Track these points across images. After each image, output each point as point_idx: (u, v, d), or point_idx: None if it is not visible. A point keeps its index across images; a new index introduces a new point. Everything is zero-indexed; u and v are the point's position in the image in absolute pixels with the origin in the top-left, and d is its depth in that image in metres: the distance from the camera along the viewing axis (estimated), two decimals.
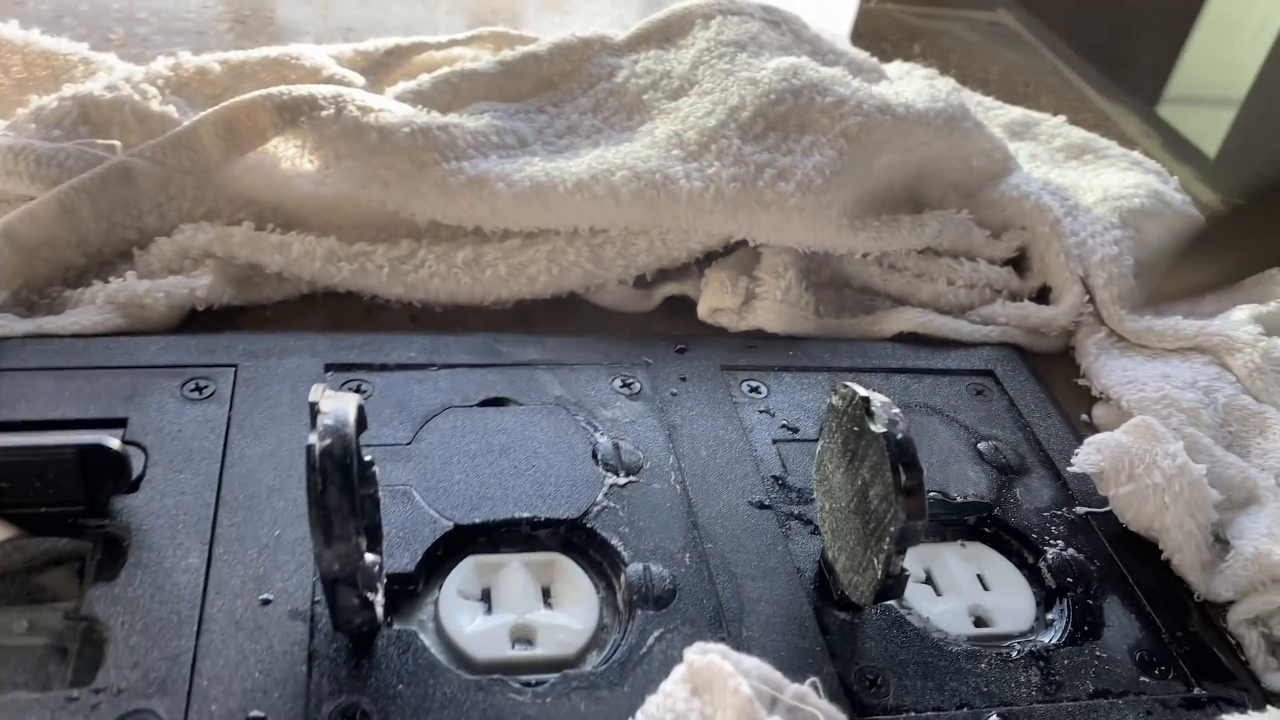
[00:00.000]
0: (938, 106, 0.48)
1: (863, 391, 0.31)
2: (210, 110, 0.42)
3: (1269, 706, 0.31)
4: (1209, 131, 0.86)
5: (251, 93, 0.42)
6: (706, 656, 0.26)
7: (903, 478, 0.29)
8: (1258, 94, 0.88)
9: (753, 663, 0.27)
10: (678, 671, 0.27)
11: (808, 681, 0.27)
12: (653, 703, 0.26)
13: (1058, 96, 0.71)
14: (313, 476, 0.25)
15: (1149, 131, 0.69)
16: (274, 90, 0.42)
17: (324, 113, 0.42)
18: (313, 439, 0.26)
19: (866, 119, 0.46)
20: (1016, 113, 0.59)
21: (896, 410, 0.30)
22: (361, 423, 0.28)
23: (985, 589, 0.35)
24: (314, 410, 0.26)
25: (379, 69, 0.51)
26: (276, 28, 0.62)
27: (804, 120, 0.46)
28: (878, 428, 0.30)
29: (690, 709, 0.26)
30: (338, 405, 0.27)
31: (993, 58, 0.75)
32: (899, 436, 0.29)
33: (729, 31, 0.51)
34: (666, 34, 0.52)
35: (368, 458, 0.29)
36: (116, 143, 0.41)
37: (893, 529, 0.29)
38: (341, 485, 0.25)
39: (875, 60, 0.57)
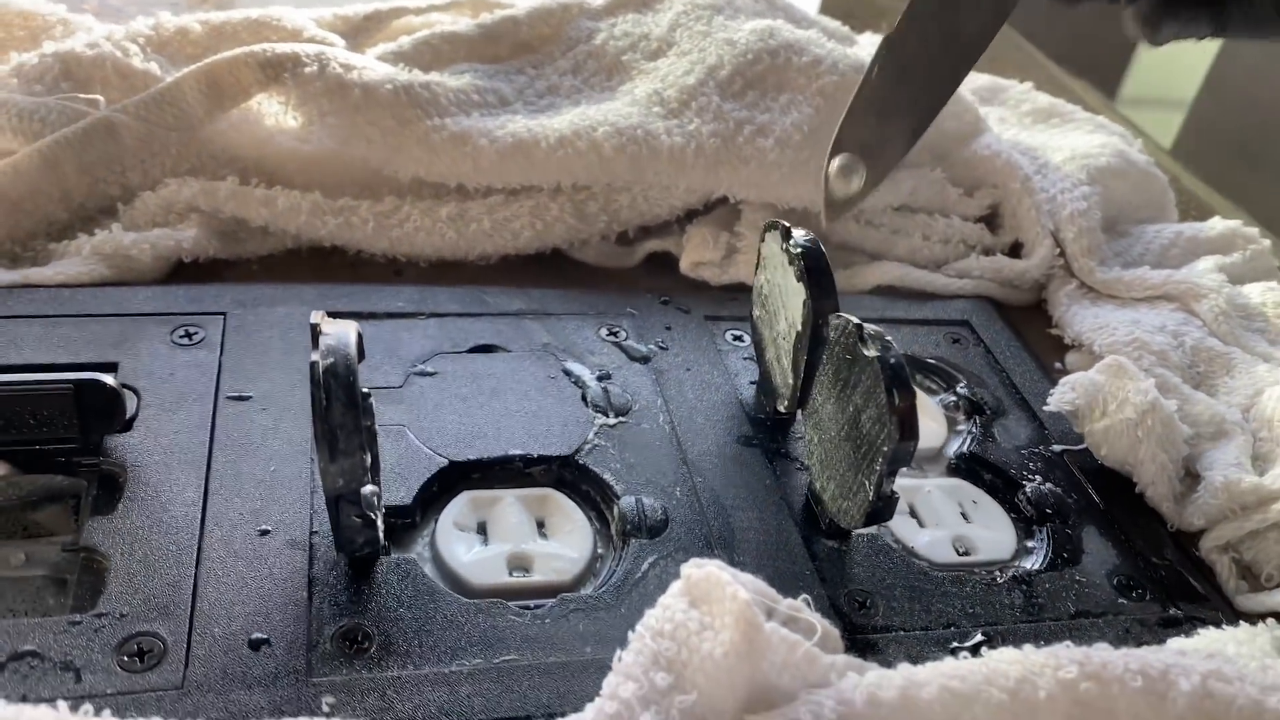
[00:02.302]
0: None
1: (855, 320, 0.32)
2: (194, 67, 0.42)
3: (1242, 623, 0.32)
4: (1162, 131, 0.89)
5: (235, 50, 0.43)
6: (704, 569, 0.27)
7: (896, 399, 0.30)
8: (1206, 94, 0.91)
9: (747, 577, 0.27)
10: (675, 586, 0.27)
11: (799, 598, 0.28)
12: (652, 616, 0.27)
13: (1023, 72, 0.72)
14: (317, 393, 0.25)
15: (1108, 103, 0.70)
16: (258, 47, 0.43)
17: (307, 70, 0.43)
18: (316, 357, 0.26)
19: (842, 78, 0.47)
20: (984, 79, 0.60)
21: (888, 338, 0.31)
22: (360, 351, 0.28)
23: (968, 521, 0.36)
24: (315, 331, 0.27)
25: (358, 33, 0.51)
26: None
27: (781, 79, 0.47)
28: (871, 352, 0.31)
29: (689, 618, 0.27)
30: (339, 328, 0.27)
31: None
32: (891, 360, 0.30)
33: None
34: None
35: (365, 390, 0.30)
36: (99, 98, 0.41)
37: (886, 448, 0.30)
38: (345, 401, 0.26)
39: (847, 29, 0.58)
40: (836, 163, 0.34)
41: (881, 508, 0.31)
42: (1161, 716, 0.26)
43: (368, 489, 0.28)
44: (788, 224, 0.36)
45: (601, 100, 0.47)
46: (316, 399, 0.25)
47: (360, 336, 0.28)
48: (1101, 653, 0.27)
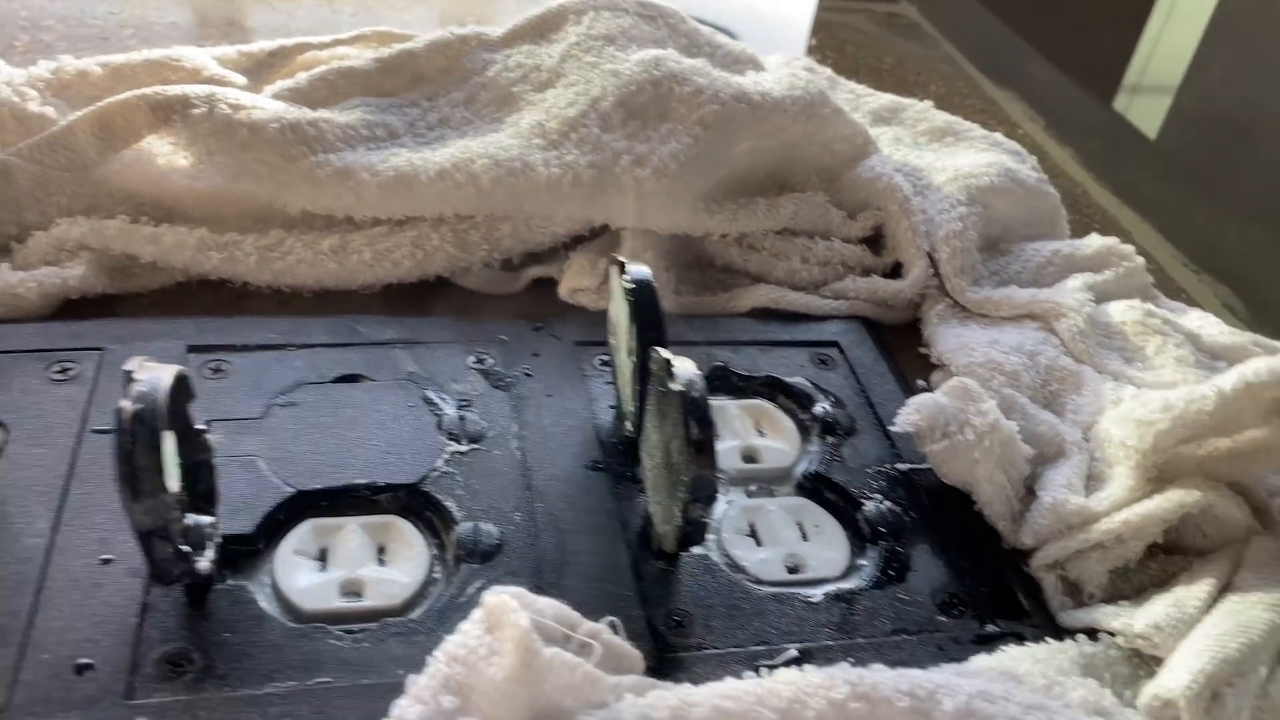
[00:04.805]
0: (795, 94, 0.51)
1: (665, 354, 0.33)
2: (86, 110, 0.44)
3: (1048, 639, 0.34)
4: (1151, 116, 0.90)
5: (127, 93, 0.45)
6: (498, 596, 0.29)
7: (694, 432, 0.31)
8: (1191, 79, 0.92)
9: (548, 603, 0.29)
10: (476, 613, 0.29)
11: (605, 620, 0.29)
12: (451, 641, 0.29)
13: (948, 84, 0.73)
14: (122, 436, 0.27)
15: (1033, 116, 0.71)
16: (149, 90, 0.45)
17: (196, 111, 0.45)
18: (124, 403, 0.28)
19: (723, 107, 0.49)
20: (886, 99, 0.61)
21: (697, 373, 0.33)
22: (188, 392, 0.30)
23: (805, 540, 0.38)
24: (127, 378, 0.28)
25: (262, 69, 0.53)
26: (181, 34, 0.64)
27: (663, 109, 0.49)
28: (676, 386, 0.32)
29: (481, 644, 0.28)
30: (152, 374, 0.29)
31: (888, 48, 0.77)
32: (694, 395, 0.32)
33: (600, 26, 0.53)
34: (541, 29, 0.54)
35: (200, 425, 0.32)
36: None
37: (685, 478, 0.31)
38: (149, 444, 0.27)
39: (753, 53, 0.59)
40: None
41: (691, 533, 0.33)
42: None
43: (198, 520, 0.30)
44: (624, 259, 0.37)
45: (488, 132, 0.49)
46: (121, 442, 0.27)
47: (184, 379, 0.30)
48: (874, 673, 0.29)
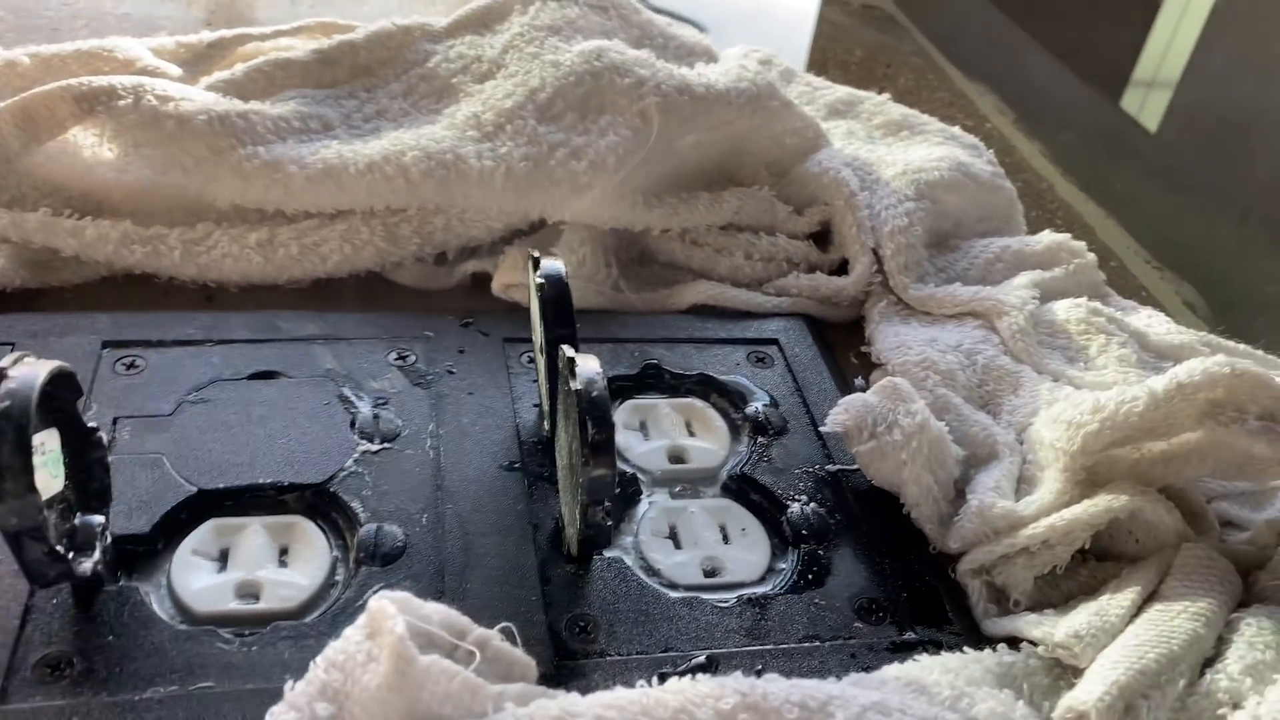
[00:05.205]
0: (741, 86, 0.50)
1: (569, 352, 0.32)
2: (9, 101, 0.43)
3: (966, 648, 0.33)
4: (1152, 110, 0.88)
5: (51, 84, 0.44)
6: (379, 601, 0.28)
7: (590, 432, 0.30)
8: (1191, 73, 0.90)
9: (435, 608, 0.28)
10: (361, 618, 0.28)
11: (498, 627, 0.29)
12: (333, 647, 0.28)
13: (917, 76, 0.72)
14: None
15: (1004, 109, 0.70)
16: (73, 81, 0.44)
17: (122, 102, 0.44)
18: None
19: (664, 99, 0.48)
20: (842, 91, 0.60)
21: (598, 372, 0.32)
22: (72, 388, 0.29)
23: (726, 543, 0.37)
24: (1, 375, 0.28)
25: (201, 60, 0.52)
26: (135, 25, 0.63)
27: (603, 101, 0.48)
28: (576, 385, 0.31)
29: (360, 650, 0.27)
30: (25, 370, 0.28)
31: (858, 40, 0.76)
32: (592, 394, 0.31)
33: (545, 16, 0.52)
34: (485, 20, 0.53)
35: (93, 424, 0.31)
36: None
37: (582, 480, 0.30)
38: (15, 442, 0.27)
39: (708, 43, 0.58)
40: None
41: (593, 535, 0.32)
42: None
43: (88, 520, 0.30)
44: (539, 255, 0.36)
45: (424, 124, 0.48)
46: None
47: (63, 376, 0.29)
48: (765, 684, 0.28)
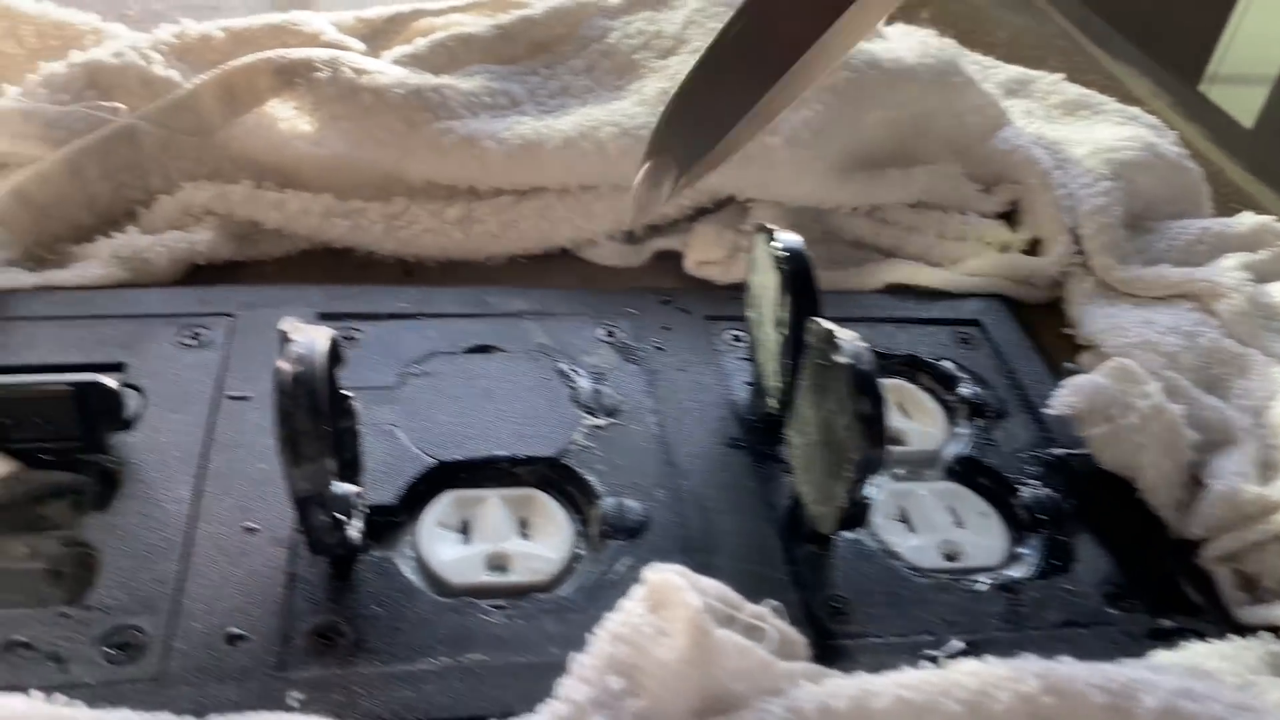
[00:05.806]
0: (927, 62, 0.49)
1: (828, 325, 0.32)
2: (211, 73, 0.43)
3: (1230, 635, 0.32)
4: (1247, 107, 0.86)
5: (251, 56, 0.44)
6: (663, 574, 0.27)
7: (865, 407, 0.29)
8: None
9: (710, 583, 0.28)
10: (637, 591, 0.28)
11: (766, 603, 0.28)
12: (613, 619, 0.27)
13: (1066, 59, 0.70)
14: (281, 399, 0.26)
15: (1159, 93, 0.68)
16: (272, 54, 0.44)
17: (320, 75, 0.44)
18: (282, 364, 0.27)
19: (854, 74, 0.47)
20: (1013, 70, 0.59)
21: (862, 344, 0.31)
22: (336, 356, 0.29)
23: (959, 526, 0.36)
24: (283, 338, 0.27)
25: (379, 35, 0.52)
26: (293, 1, 0.63)
27: None
28: (842, 359, 0.30)
29: (646, 623, 0.27)
30: (308, 335, 0.28)
31: (1000, 23, 0.74)
32: (862, 368, 0.30)
33: None
34: None
35: (346, 392, 0.31)
36: (120, 105, 0.43)
37: (855, 457, 0.30)
38: (309, 408, 0.26)
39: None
40: (647, 167, 0.31)
41: (855, 514, 0.31)
42: None
43: (345, 489, 0.29)
44: (772, 226, 0.36)
45: (610, 100, 0.47)
46: (280, 405, 0.26)
47: (336, 342, 0.29)
48: (1065, 666, 0.27)
